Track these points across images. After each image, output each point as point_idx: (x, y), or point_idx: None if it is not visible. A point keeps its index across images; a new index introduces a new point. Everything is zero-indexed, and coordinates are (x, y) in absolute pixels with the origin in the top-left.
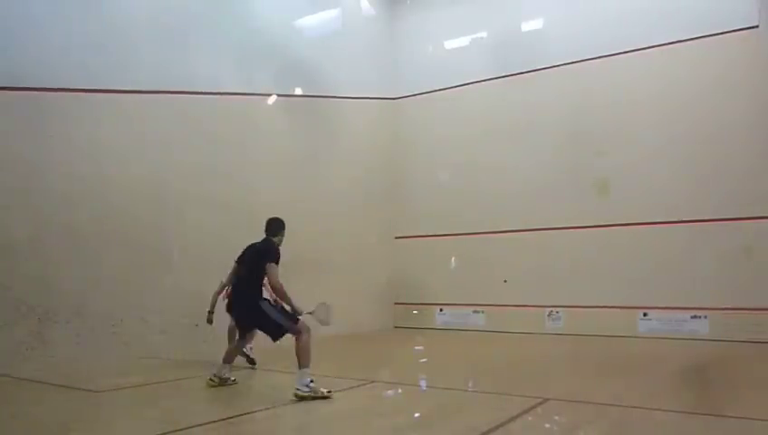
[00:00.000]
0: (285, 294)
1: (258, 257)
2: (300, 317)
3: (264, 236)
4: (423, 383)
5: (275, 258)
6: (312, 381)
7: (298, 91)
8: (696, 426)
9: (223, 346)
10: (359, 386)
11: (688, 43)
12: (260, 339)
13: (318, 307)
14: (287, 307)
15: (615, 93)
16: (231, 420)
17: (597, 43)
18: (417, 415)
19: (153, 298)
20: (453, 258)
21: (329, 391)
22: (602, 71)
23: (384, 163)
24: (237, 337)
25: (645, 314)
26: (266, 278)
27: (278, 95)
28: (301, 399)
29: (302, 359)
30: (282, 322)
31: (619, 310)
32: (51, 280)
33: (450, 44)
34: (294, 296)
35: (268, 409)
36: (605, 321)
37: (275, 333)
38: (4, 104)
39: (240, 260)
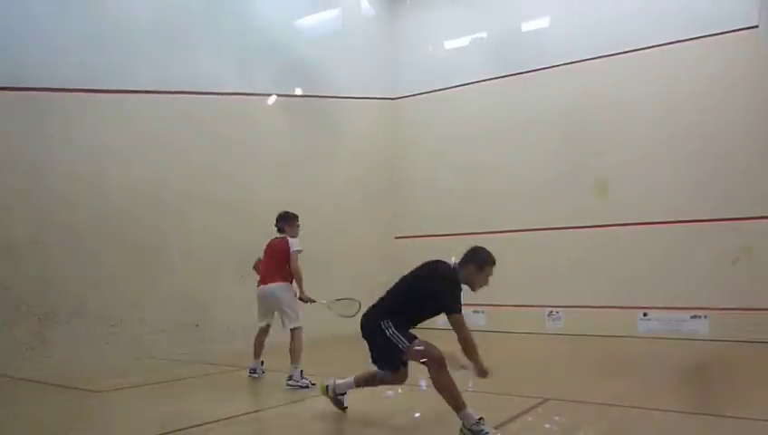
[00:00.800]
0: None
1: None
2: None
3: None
4: (422, 384)
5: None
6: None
7: (298, 91)
8: (695, 426)
9: (222, 345)
10: (357, 387)
11: (688, 42)
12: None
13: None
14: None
15: (614, 93)
16: (230, 419)
17: (596, 42)
18: (416, 415)
19: (153, 298)
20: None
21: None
22: (602, 70)
23: (384, 163)
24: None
25: (645, 314)
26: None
27: (278, 95)
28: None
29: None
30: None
31: (618, 310)
32: (51, 280)
33: (450, 44)
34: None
35: (271, 408)
36: (605, 321)
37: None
38: (5, 104)
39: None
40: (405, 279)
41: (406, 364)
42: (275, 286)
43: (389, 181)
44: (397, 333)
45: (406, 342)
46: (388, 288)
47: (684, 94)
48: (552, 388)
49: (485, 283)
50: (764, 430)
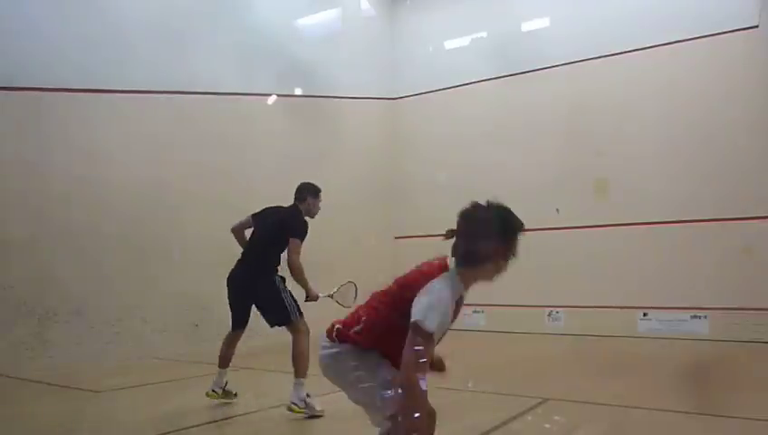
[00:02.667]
0: (303, 275)
1: (281, 227)
2: (302, 313)
3: (293, 201)
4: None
5: (301, 233)
6: (308, 396)
7: (298, 91)
8: (696, 426)
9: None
10: None
11: (688, 42)
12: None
13: (339, 289)
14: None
15: (615, 93)
16: (230, 419)
17: (597, 43)
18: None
19: (153, 298)
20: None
21: (322, 410)
22: (602, 71)
23: (384, 163)
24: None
25: (645, 314)
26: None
27: (278, 95)
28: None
29: (300, 366)
30: (289, 308)
31: (618, 310)
32: (51, 280)
33: (450, 44)
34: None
35: (272, 408)
36: (605, 321)
37: (279, 316)
38: (3, 105)
39: (257, 221)
40: None
41: None
42: None
43: (389, 181)
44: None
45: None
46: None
47: (684, 94)
48: (552, 388)
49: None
50: (764, 430)
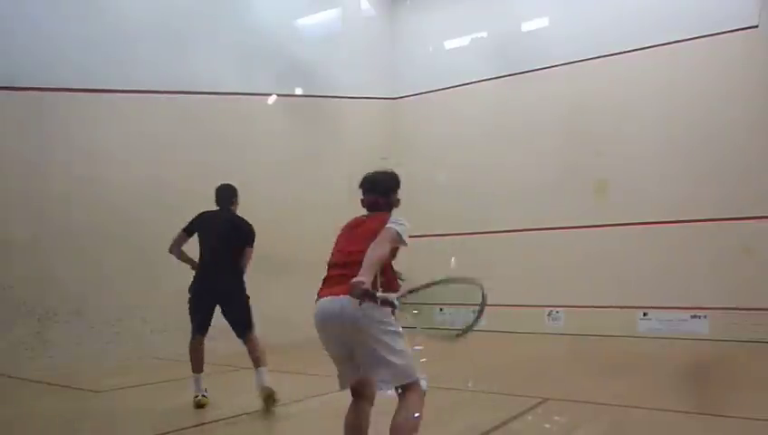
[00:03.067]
0: None
1: (236, 235)
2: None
3: (223, 206)
4: (422, 383)
5: (252, 240)
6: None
7: (298, 90)
8: (696, 426)
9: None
10: None
11: (687, 42)
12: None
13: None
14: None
15: (614, 93)
16: (230, 419)
17: (596, 43)
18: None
19: (153, 298)
20: (453, 258)
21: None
22: (602, 71)
23: (384, 163)
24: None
25: (644, 314)
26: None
27: (278, 95)
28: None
29: (264, 356)
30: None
31: (618, 310)
32: (51, 280)
33: (450, 45)
34: (287, 297)
35: (274, 408)
36: (605, 321)
37: (247, 323)
38: (3, 105)
39: (204, 229)
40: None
41: None
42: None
43: None
44: None
45: None
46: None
47: (683, 94)
48: (552, 388)
49: None
50: (764, 429)
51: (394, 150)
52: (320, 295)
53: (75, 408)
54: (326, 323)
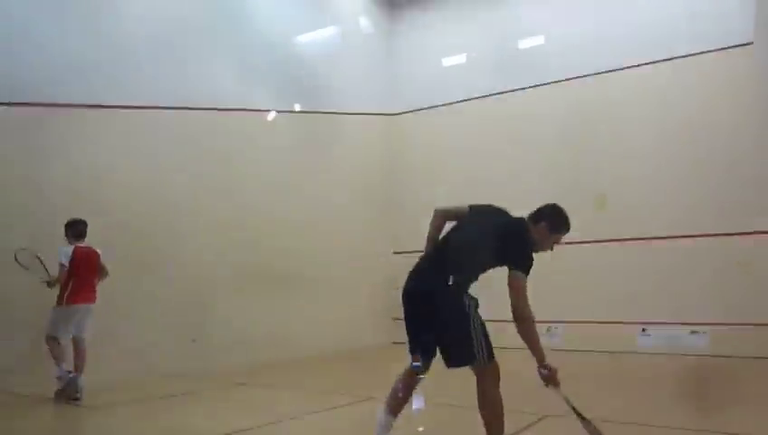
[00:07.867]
0: (532, 326)
1: (502, 240)
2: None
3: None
4: (419, 399)
5: (527, 263)
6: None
7: (297, 107)
8: None
9: (219, 360)
10: (356, 403)
11: (683, 59)
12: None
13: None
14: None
15: (613, 109)
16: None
17: (595, 59)
18: (420, 429)
19: (150, 313)
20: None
21: None
22: (600, 86)
23: (383, 178)
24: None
25: (644, 330)
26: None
27: (278, 111)
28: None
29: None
30: (474, 341)
31: (617, 325)
32: (50, 294)
33: (448, 61)
34: (288, 311)
35: (271, 424)
36: (604, 336)
37: (460, 353)
38: (3, 120)
39: (469, 216)
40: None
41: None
42: None
43: (388, 196)
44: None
45: (481, 336)
46: (386, 302)
47: (682, 110)
48: (551, 404)
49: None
50: None
51: (393, 166)
52: None
53: (71, 423)
54: None
